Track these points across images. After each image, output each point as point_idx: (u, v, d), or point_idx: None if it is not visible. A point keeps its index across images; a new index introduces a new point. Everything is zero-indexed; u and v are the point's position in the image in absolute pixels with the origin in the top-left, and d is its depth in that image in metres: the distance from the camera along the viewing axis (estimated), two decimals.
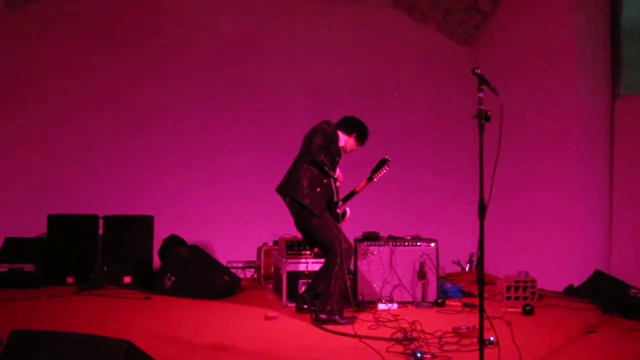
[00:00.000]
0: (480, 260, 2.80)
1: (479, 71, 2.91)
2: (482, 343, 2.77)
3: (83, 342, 2.14)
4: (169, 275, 5.27)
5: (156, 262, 5.71)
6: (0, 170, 6.24)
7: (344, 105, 6.57)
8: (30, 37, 6.44)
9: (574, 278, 5.43)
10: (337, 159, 4.44)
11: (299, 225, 4.47)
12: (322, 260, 4.50)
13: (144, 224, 5.89)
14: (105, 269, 5.71)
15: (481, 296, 2.76)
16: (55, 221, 5.77)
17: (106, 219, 5.86)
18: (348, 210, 4.53)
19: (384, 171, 4.62)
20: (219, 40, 6.82)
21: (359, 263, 5.04)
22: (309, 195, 4.27)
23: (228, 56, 6.85)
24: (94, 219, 5.88)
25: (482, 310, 2.75)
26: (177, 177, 6.61)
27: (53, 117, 6.47)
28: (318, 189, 4.30)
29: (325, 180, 4.34)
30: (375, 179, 4.61)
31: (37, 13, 6.45)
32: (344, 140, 4.48)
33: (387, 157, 4.59)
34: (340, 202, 4.52)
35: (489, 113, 2.85)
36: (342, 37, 7.11)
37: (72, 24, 6.56)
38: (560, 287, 5.50)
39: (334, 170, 4.38)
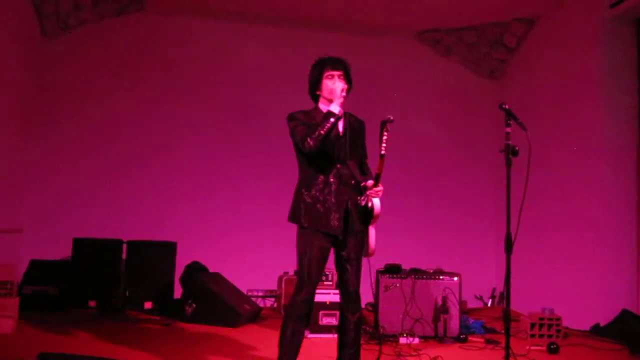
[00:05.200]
0: (507, 296, 2.76)
1: (507, 106, 2.92)
2: None
3: None
4: (189, 302, 5.28)
5: (177, 288, 5.72)
6: (28, 194, 6.35)
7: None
8: (63, 65, 6.64)
9: (600, 317, 5.31)
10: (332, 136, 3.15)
11: None
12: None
13: (167, 249, 5.93)
14: (127, 293, 5.74)
15: (507, 333, 2.72)
16: (80, 245, 5.83)
17: (130, 243, 5.91)
18: (377, 202, 3.15)
19: (386, 135, 3.13)
20: (241, 71, 6.94)
21: (380, 295, 4.99)
22: (293, 204, 3.24)
23: (251, 86, 6.96)
24: (117, 243, 5.93)
25: (508, 347, 2.71)
26: (200, 204, 6.67)
27: (80, 142, 6.61)
28: (305, 191, 3.18)
29: (320, 178, 3.14)
30: (383, 151, 3.08)
31: (71, 41, 6.66)
32: (324, 93, 3.27)
33: (388, 117, 3.13)
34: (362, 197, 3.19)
35: (517, 148, 2.85)
36: (365, 69, 7.15)
37: (102, 52, 6.75)
38: (586, 326, 5.37)
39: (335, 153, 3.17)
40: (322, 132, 3.01)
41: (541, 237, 6.15)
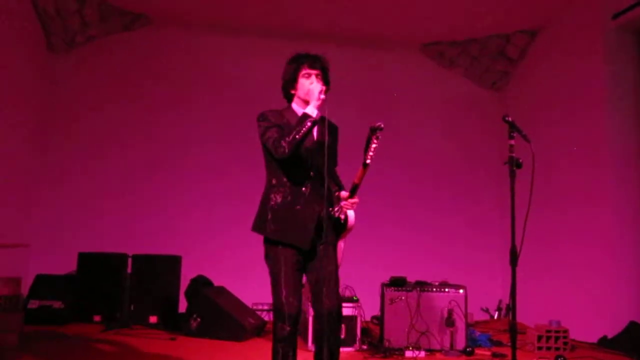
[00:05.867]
0: (513, 308, 2.75)
1: (510, 118, 2.93)
2: None
3: None
4: (194, 316, 5.27)
5: (182, 302, 5.72)
6: (34, 209, 6.39)
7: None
8: (70, 80, 6.71)
9: (607, 329, 5.27)
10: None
11: None
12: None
13: (172, 263, 5.94)
14: (132, 307, 5.74)
15: (514, 346, 2.70)
16: (85, 259, 5.86)
17: (135, 257, 5.92)
18: (351, 215, 2.98)
19: (375, 143, 2.79)
20: (247, 84, 6.96)
21: (386, 308, 4.98)
22: (259, 212, 2.95)
23: (257, 99, 6.92)
24: (123, 257, 5.94)
25: None
26: (205, 218, 6.69)
27: (86, 157, 6.65)
28: (273, 198, 2.87)
29: (291, 185, 2.85)
30: (369, 160, 2.79)
31: (78, 57, 6.74)
32: (300, 94, 2.98)
33: (378, 124, 2.74)
34: (335, 208, 2.95)
35: (520, 160, 2.85)
36: (369, 81, 7.21)
37: (109, 67, 6.83)
38: (593, 338, 5.34)
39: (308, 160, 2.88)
40: (297, 136, 2.70)
41: (547, 248, 6.13)
